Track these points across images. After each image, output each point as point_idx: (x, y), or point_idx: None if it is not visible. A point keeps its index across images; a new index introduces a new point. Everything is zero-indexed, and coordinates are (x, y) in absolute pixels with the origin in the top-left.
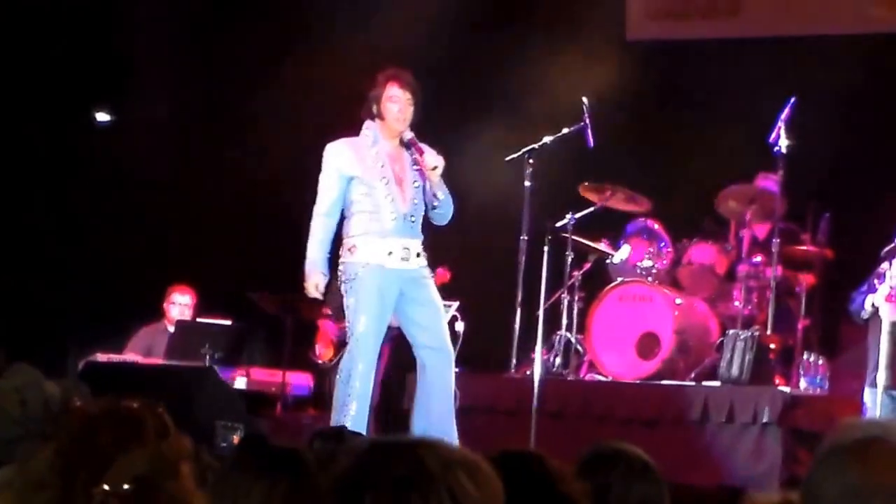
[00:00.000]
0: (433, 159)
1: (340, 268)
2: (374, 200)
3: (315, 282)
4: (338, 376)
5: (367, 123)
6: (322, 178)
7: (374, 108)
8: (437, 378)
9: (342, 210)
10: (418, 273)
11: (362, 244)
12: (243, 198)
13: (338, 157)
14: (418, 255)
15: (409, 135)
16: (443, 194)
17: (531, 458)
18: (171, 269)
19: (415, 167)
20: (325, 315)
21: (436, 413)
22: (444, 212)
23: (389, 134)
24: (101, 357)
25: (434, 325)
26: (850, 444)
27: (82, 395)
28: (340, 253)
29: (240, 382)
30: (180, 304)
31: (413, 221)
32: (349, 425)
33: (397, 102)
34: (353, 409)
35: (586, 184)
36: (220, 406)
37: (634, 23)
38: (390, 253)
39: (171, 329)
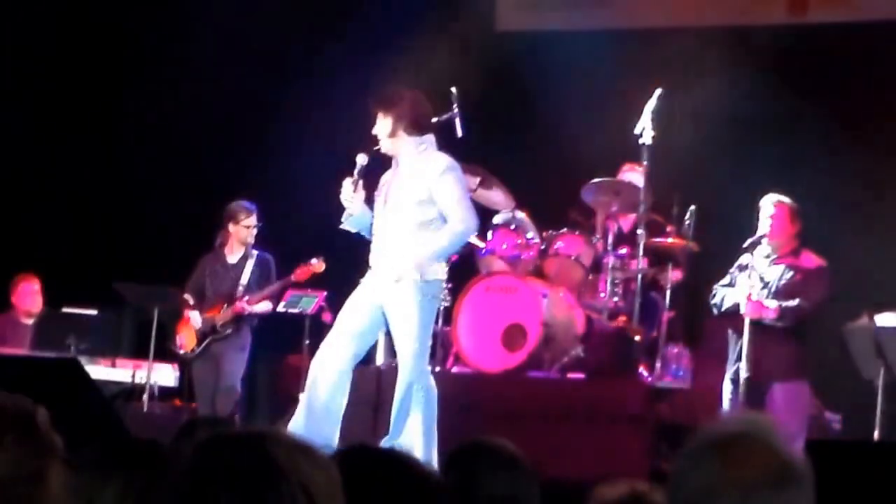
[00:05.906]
0: None
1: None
2: None
3: None
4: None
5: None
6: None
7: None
8: None
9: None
10: None
11: None
12: (112, 189)
13: None
14: None
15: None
16: None
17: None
18: (31, 259)
19: None
20: (189, 305)
21: None
22: None
23: None
24: None
25: None
26: (716, 437)
27: None
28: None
29: (105, 373)
30: (30, 295)
31: None
32: None
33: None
34: None
35: None
36: (85, 399)
37: (504, 13)
38: None
39: (27, 320)
